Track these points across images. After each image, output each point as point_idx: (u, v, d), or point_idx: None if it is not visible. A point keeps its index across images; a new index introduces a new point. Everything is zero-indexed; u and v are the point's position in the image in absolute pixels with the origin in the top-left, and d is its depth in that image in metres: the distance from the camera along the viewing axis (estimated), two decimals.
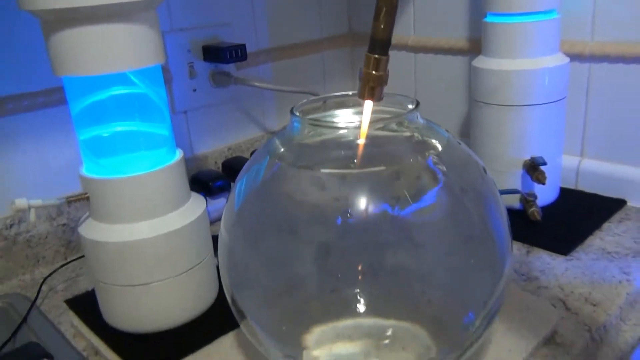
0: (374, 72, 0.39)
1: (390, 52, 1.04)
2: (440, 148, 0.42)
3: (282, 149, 0.42)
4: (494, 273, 0.41)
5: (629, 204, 0.76)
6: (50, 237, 0.70)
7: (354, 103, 0.48)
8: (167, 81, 0.79)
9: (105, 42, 0.46)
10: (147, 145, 0.53)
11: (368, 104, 0.40)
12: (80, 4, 0.43)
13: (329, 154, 0.41)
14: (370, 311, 0.39)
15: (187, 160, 0.83)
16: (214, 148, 0.87)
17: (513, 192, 0.73)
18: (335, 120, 0.48)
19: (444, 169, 0.41)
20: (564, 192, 0.79)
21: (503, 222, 0.42)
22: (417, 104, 0.43)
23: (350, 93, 0.47)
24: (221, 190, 0.78)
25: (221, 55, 0.79)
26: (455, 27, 0.88)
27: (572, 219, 0.73)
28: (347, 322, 0.40)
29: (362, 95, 0.40)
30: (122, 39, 0.46)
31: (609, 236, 0.69)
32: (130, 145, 0.52)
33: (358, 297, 0.39)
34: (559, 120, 0.73)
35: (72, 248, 0.72)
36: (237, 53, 0.79)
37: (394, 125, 0.43)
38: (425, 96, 0.97)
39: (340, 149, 0.41)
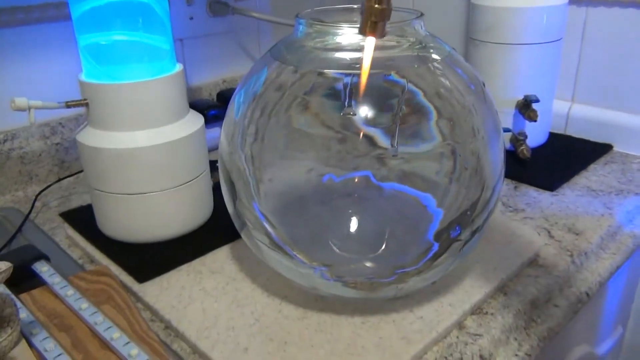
0: (376, 5, 0.36)
1: None
2: (439, 58, 0.43)
3: (286, 52, 0.42)
4: (485, 188, 0.42)
5: (615, 148, 0.78)
6: (44, 156, 0.70)
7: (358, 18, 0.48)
8: None
9: None
10: (148, 56, 0.52)
11: (370, 41, 0.37)
12: None
13: (332, 58, 0.42)
14: (372, 213, 0.41)
15: None
16: (208, 79, 0.87)
17: (505, 130, 0.74)
18: (339, 30, 0.48)
19: (447, 83, 0.42)
20: (553, 136, 0.80)
21: (499, 140, 0.43)
22: (421, 14, 0.43)
23: (355, 6, 0.47)
24: (216, 119, 0.78)
25: None
26: None
27: (559, 159, 0.74)
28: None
29: (364, 31, 0.37)
30: None
31: (594, 176, 0.71)
32: (131, 55, 0.51)
33: (356, 197, 0.40)
34: (554, 62, 0.74)
35: (66, 168, 0.72)
36: None
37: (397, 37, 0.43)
38: None
39: (342, 53, 0.42)
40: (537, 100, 0.70)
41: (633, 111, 0.76)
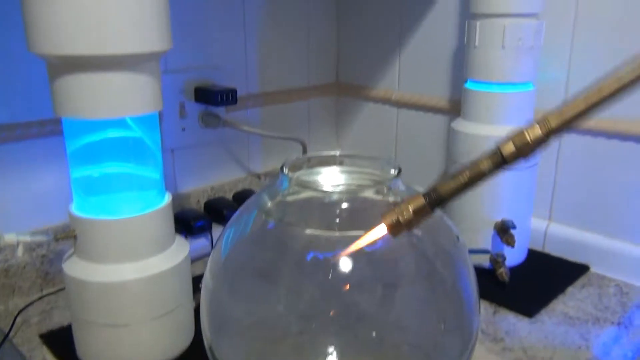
0: (411, 210, 0.35)
1: (375, 105, 1.08)
2: None
3: (270, 205, 0.44)
4: (462, 337, 0.44)
5: (591, 269, 0.79)
6: (28, 268, 0.70)
7: (339, 162, 0.51)
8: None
9: (107, 89, 0.48)
10: (138, 186, 0.54)
11: (380, 229, 0.36)
12: (88, 53, 0.45)
13: (314, 213, 0.44)
14: None
15: None
16: (197, 187, 0.89)
17: (483, 252, 0.76)
18: (320, 177, 0.51)
19: (419, 234, 0.44)
20: (532, 254, 0.82)
21: (472, 288, 0.45)
22: (399, 171, 0.45)
23: (337, 154, 0.49)
24: (202, 231, 0.80)
25: (212, 97, 0.81)
26: (437, 86, 0.92)
27: (538, 281, 0.76)
28: None
29: (384, 217, 0.36)
30: (124, 87, 0.48)
31: (571, 301, 0.72)
32: (121, 186, 0.53)
33: (334, 349, 0.41)
34: (529, 186, 0.77)
35: (49, 280, 0.72)
36: (227, 97, 0.82)
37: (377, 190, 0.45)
38: (406, 150, 1.01)
39: (325, 209, 0.44)
40: (514, 227, 0.72)
41: (609, 234, 0.78)
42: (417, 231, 0.44)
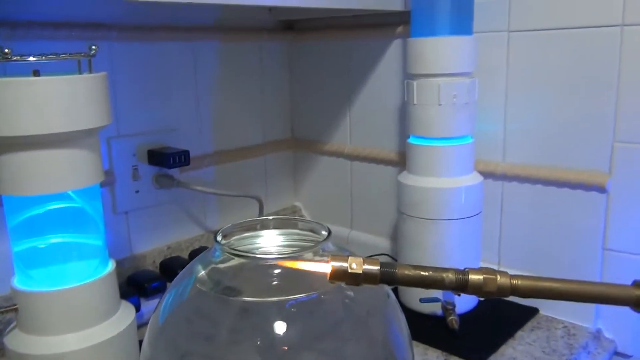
0: (362, 269, 0.36)
1: (329, 158, 1.11)
2: None
3: (203, 273, 0.45)
4: None
5: (540, 312, 0.82)
6: None
7: (275, 225, 0.52)
8: (110, 183, 0.82)
9: (47, 166, 0.49)
10: (80, 256, 0.55)
11: (324, 266, 0.36)
12: (27, 133, 0.47)
13: (247, 280, 0.45)
14: None
15: (125, 260, 0.85)
16: (153, 247, 0.89)
17: (434, 300, 0.77)
18: (260, 240, 0.52)
19: (352, 294, 0.46)
20: (483, 300, 0.84)
21: (405, 343, 0.46)
22: (329, 233, 0.47)
23: (270, 218, 0.51)
24: (157, 291, 0.80)
25: (165, 160, 0.83)
26: (386, 140, 0.96)
27: (488, 326, 0.78)
28: None
29: (334, 258, 0.36)
30: (64, 163, 0.50)
31: (520, 345, 0.74)
32: (63, 256, 0.54)
33: None
34: (475, 234, 0.80)
35: None
36: (180, 158, 0.84)
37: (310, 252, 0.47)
38: (361, 201, 1.03)
39: (260, 273, 0.45)
40: None
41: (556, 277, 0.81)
42: (346, 287, 0.46)
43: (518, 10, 0.77)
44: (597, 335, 0.77)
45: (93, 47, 0.52)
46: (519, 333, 0.77)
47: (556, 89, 0.76)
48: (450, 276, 0.35)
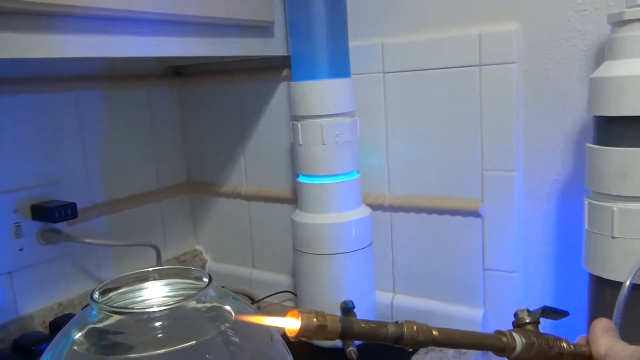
0: (327, 323, 0.35)
1: (226, 200, 1.11)
2: (232, 318, 0.47)
3: (80, 334, 0.44)
4: None
5: None
6: None
7: (159, 276, 0.52)
8: None
9: None
10: None
11: (292, 322, 0.35)
12: None
13: (128, 336, 0.44)
14: None
15: (10, 323, 0.80)
16: (42, 306, 0.85)
17: None
18: (143, 293, 0.52)
19: (237, 340, 0.46)
20: None
21: None
22: (210, 280, 0.48)
23: (150, 269, 0.51)
24: None
25: (50, 214, 0.80)
26: (280, 179, 0.98)
27: (385, 353, 0.80)
28: None
29: (301, 313, 0.35)
30: None
31: None
32: None
33: None
34: (368, 264, 0.83)
35: None
36: (66, 211, 0.81)
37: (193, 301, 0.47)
38: (260, 241, 1.04)
39: (139, 331, 0.45)
40: (353, 307, 0.77)
41: (446, 300, 0.85)
42: (231, 332, 0.46)
43: (390, 53, 0.83)
44: (485, 353, 0.82)
45: None
46: (415, 357, 0.80)
47: (431, 124, 0.82)
48: (390, 327, 0.37)
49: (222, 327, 0.46)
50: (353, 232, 0.80)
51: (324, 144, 0.78)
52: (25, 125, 0.83)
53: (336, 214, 0.80)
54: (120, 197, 0.97)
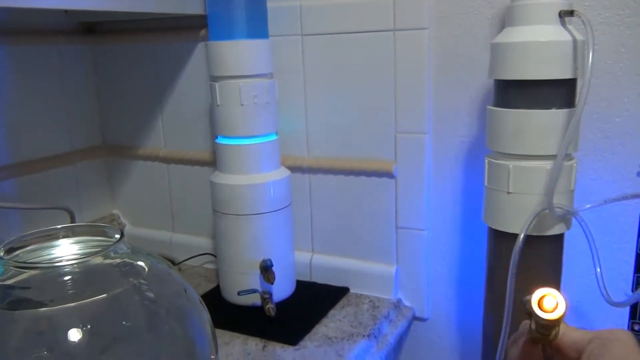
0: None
1: (144, 163, 1.09)
2: (146, 273, 0.48)
3: None
4: None
5: (351, 290, 0.90)
6: None
7: (70, 234, 0.51)
8: None
9: None
10: None
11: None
12: None
13: (37, 292, 0.44)
14: None
15: None
16: None
17: (252, 291, 0.81)
18: (53, 251, 0.51)
19: (151, 295, 0.47)
20: (300, 285, 0.90)
21: (206, 334, 0.49)
22: (122, 236, 0.48)
23: (59, 227, 0.50)
24: None
25: None
26: (199, 141, 0.97)
27: (304, 309, 0.83)
28: None
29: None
30: None
31: (332, 322, 0.80)
32: None
33: None
34: (286, 225, 0.85)
35: None
36: None
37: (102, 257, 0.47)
38: (179, 204, 1.04)
39: (49, 286, 0.44)
40: (271, 265, 0.79)
41: (361, 257, 0.89)
42: (145, 287, 0.47)
43: (308, 16, 0.83)
44: (397, 305, 0.87)
45: None
46: (332, 312, 0.83)
47: (348, 88, 0.84)
48: None
49: (135, 282, 0.47)
50: (271, 192, 0.81)
51: (242, 105, 0.78)
52: None
53: (255, 175, 0.81)
54: (29, 160, 0.93)
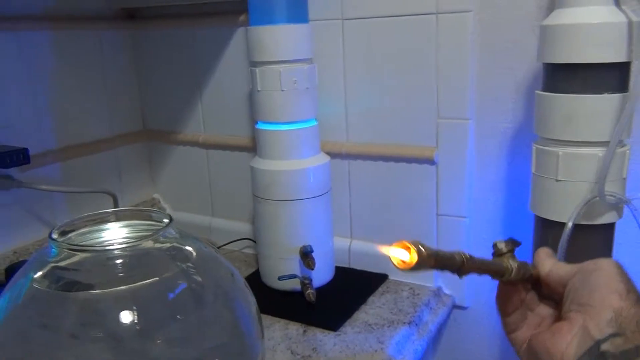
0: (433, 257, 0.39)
1: (184, 148, 1.10)
2: (194, 257, 0.48)
3: (40, 273, 0.44)
4: None
5: (390, 277, 0.89)
6: None
7: (118, 218, 0.52)
8: None
9: None
10: None
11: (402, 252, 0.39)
12: None
13: (89, 275, 0.45)
14: None
15: None
16: None
17: (292, 277, 0.81)
18: (103, 234, 0.52)
19: (199, 278, 0.47)
20: (339, 271, 0.90)
21: (252, 318, 0.49)
22: (171, 220, 0.48)
23: (109, 210, 0.51)
24: None
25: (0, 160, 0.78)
26: (238, 127, 0.98)
27: (343, 295, 0.83)
28: None
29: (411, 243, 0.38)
30: None
31: (371, 309, 0.80)
32: None
33: None
34: (325, 211, 0.84)
35: None
36: (17, 157, 0.79)
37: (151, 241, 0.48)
38: (219, 189, 1.04)
39: (100, 269, 0.45)
40: (312, 251, 0.79)
41: None
42: (193, 271, 0.47)
43: (349, 0, 0.82)
44: (437, 293, 0.86)
45: None
46: (371, 298, 0.83)
47: (388, 72, 0.83)
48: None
49: (184, 266, 0.47)
50: (311, 178, 0.81)
51: (282, 90, 0.78)
52: None
53: (295, 161, 0.80)
54: (73, 144, 0.95)
